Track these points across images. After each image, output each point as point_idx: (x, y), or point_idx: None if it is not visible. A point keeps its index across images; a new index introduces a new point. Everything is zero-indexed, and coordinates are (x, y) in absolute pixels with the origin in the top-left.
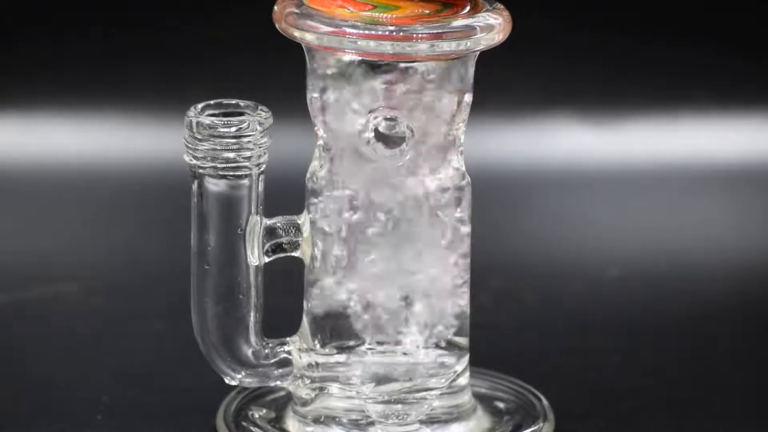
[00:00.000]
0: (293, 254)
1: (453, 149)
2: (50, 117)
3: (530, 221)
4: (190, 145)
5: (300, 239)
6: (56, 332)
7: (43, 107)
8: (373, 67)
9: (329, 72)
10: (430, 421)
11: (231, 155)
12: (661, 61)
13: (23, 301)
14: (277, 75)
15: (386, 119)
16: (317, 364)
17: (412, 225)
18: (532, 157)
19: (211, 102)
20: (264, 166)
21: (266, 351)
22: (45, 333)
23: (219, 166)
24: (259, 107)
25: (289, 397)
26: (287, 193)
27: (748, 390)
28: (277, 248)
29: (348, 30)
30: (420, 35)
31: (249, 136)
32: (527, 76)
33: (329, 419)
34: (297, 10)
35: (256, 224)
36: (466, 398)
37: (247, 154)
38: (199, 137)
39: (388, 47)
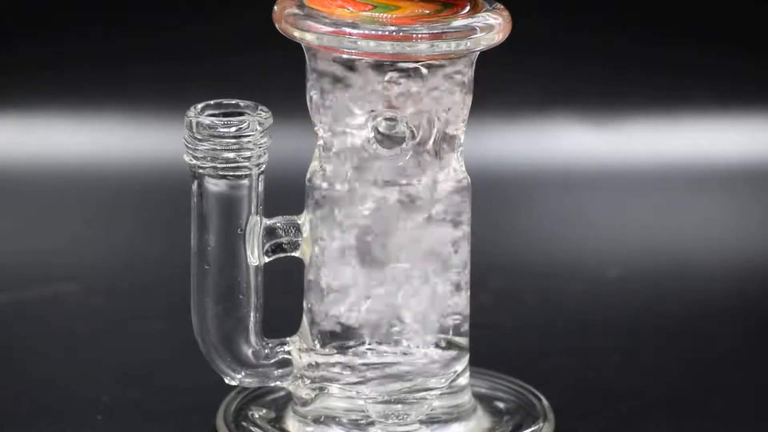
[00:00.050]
0: (293, 254)
1: (453, 149)
2: (50, 117)
3: (530, 221)
4: (190, 145)
5: (300, 239)
6: (56, 332)
7: (43, 107)
8: (373, 67)
9: (329, 72)
10: (430, 421)
11: (231, 155)
12: (661, 61)
13: (23, 301)
14: (277, 75)
15: (386, 119)
16: (317, 364)
17: (412, 225)
18: (532, 157)
19: (211, 102)
20: (264, 166)
21: (266, 351)
22: (45, 333)
23: (219, 166)
24: (259, 107)
25: (289, 397)
26: (287, 193)
27: (748, 390)
28: (277, 248)
29: (348, 30)
30: (420, 35)
31: (249, 136)
32: (527, 76)
33: (329, 419)
34: (297, 10)
35: (256, 224)
36: (466, 398)
37: (247, 154)
38: (199, 137)
39: (388, 47)
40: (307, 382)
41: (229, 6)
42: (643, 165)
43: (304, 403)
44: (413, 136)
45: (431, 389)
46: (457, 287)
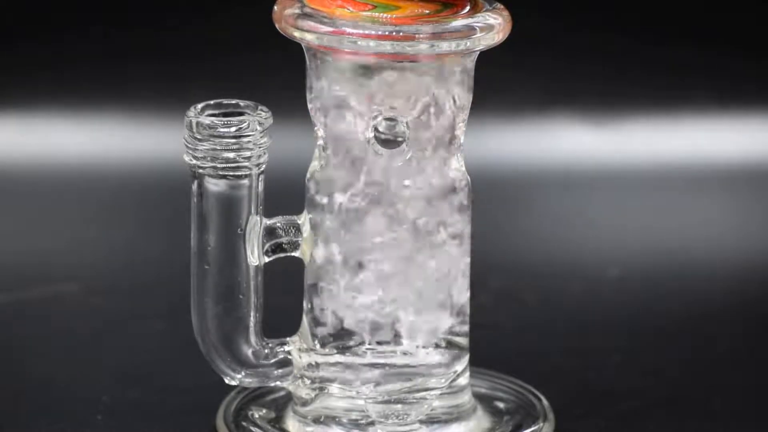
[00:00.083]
0: (293, 254)
1: (453, 149)
2: (50, 117)
3: (530, 221)
4: (190, 145)
5: (300, 239)
6: (56, 332)
7: (43, 107)
8: (373, 67)
9: (329, 72)
10: (430, 421)
11: (231, 155)
12: (661, 61)
13: (23, 301)
14: (277, 75)
15: (386, 119)
16: (317, 364)
17: (412, 225)
18: (532, 157)
19: (211, 102)
20: (264, 166)
21: (266, 351)
22: (45, 333)
23: (219, 166)
24: (259, 107)
25: (289, 397)
26: (287, 193)
27: (748, 390)
28: (277, 248)
29: (348, 30)
30: (420, 35)
31: (249, 136)
32: (527, 76)
33: (329, 419)
34: (297, 10)
35: (256, 224)
36: (466, 398)
37: (247, 154)
38: (199, 137)
39: (388, 47)
40: (307, 382)
41: (229, 6)
42: (643, 165)
43: (304, 403)
44: (413, 136)
45: (431, 389)
46: (458, 287)
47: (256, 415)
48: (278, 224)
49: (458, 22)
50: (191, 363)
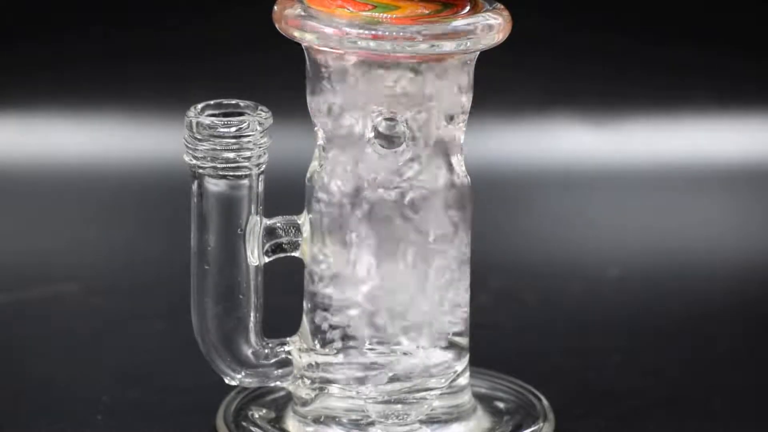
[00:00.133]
0: (293, 254)
1: (453, 149)
2: (50, 117)
3: (530, 221)
4: (190, 145)
5: (300, 239)
6: (56, 332)
7: (43, 107)
8: (373, 67)
9: (329, 72)
10: (430, 421)
11: (231, 155)
12: (661, 61)
13: (23, 301)
14: (277, 75)
15: (386, 119)
16: (317, 364)
17: (412, 225)
18: (532, 157)
19: (211, 102)
20: (264, 166)
21: (266, 351)
22: (45, 333)
23: (219, 166)
24: (259, 107)
25: (289, 397)
26: (287, 193)
27: (748, 390)
28: (277, 248)
29: (348, 30)
30: (420, 35)
31: (249, 136)
32: (527, 76)
33: (329, 419)
34: (297, 10)
35: (256, 224)
36: (466, 398)
37: (247, 154)
38: (199, 137)
39: (388, 47)
40: (307, 382)
41: (229, 6)
42: (643, 165)
43: (304, 403)
44: (413, 136)
45: (431, 389)
46: (458, 288)
47: (256, 415)
48: (278, 224)
49: (458, 22)
50: (191, 363)
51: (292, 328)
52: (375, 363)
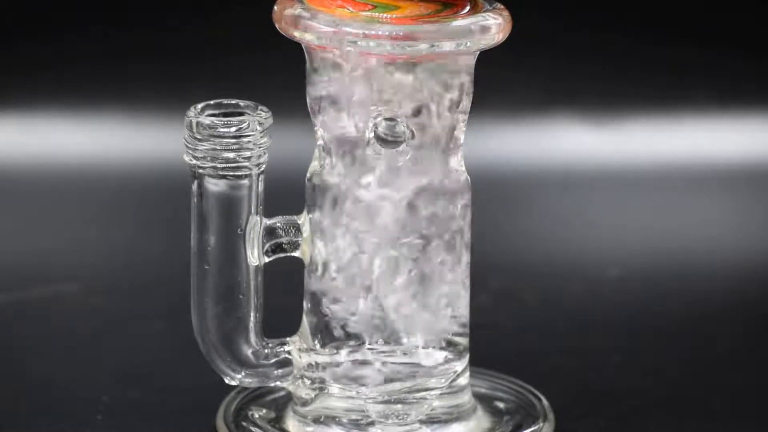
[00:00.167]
0: (293, 254)
1: (453, 149)
2: (50, 117)
3: (530, 221)
4: (190, 145)
5: (300, 239)
6: (56, 332)
7: (43, 107)
8: (373, 67)
9: (329, 72)
10: (430, 421)
11: (231, 155)
12: (661, 61)
13: (23, 301)
14: (277, 75)
15: (386, 119)
16: (317, 364)
17: (412, 225)
18: (532, 157)
19: (211, 102)
20: (264, 166)
21: (266, 351)
22: (45, 333)
23: (219, 166)
24: (259, 107)
25: (289, 397)
26: (287, 193)
27: (748, 390)
28: (277, 248)
29: (348, 30)
30: (420, 35)
31: (249, 136)
32: (527, 76)
33: (329, 419)
34: (297, 10)
35: (256, 224)
36: (466, 398)
37: (247, 154)
38: (199, 137)
39: (388, 47)
40: (307, 382)
41: (229, 6)
42: (643, 165)
43: (304, 403)
44: (412, 137)
45: (431, 389)
46: (457, 287)
47: (256, 415)
48: (278, 224)
49: (458, 22)
50: (191, 363)
51: (292, 328)
52: (375, 363)
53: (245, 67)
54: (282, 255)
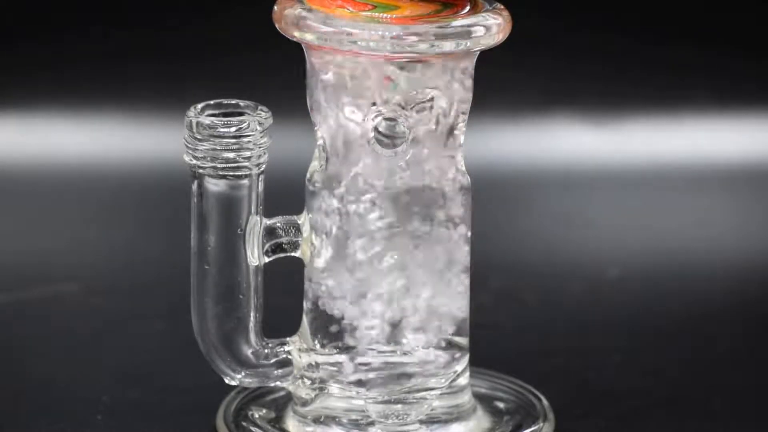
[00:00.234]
0: (293, 254)
1: (453, 149)
2: (50, 117)
3: (530, 221)
4: (190, 145)
5: (300, 239)
6: (56, 332)
7: (43, 107)
8: (373, 67)
9: (329, 72)
10: (430, 421)
11: (231, 155)
12: (661, 61)
13: (23, 301)
14: (277, 75)
15: (386, 119)
16: (317, 364)
17: (412, 225)
18: (532, 157)
19: (211, 102)
20: (264, 166)
21: (266, 351)
22: (45, 333)
23: (219, 166)
24: (259, 107)
25: (289, 397)
26: (287, 193)
27: (748, 390)
28: (277, 248)
29: (348, 30)
30: (420, 35)
31: (249, 136)
32: (527, 76)
33: (329, 419)
34: (297, 10)
35: (256, 224)
36: (466, 398)
37: (247, 154)
38: (199, 137)
39: (388, 47)
40: (307, 382)
41: (229, 6)
42: (643, 165)
43: (304, 403)
44: (412, 137)
45: (431, 389)
46: (458, 287)
47: (256, 415)
48: (278, 224)
49: (458, 22)
50: (191, 363)
51: (292, 328)
52: (375, 363)
53: (245, 67)
54: (282, 255)
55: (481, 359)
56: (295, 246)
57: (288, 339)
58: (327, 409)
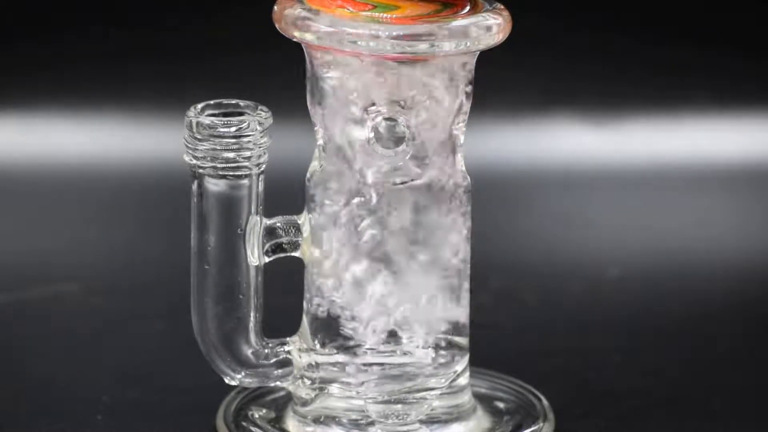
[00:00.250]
0: (293, 254)
1: (453, 149)
2: (50, 117)
3: (530, 221)
4: (190, 145)
5: (300, 239)
6: (56, 332)
7: (43, 107)
8: (373, 67)
9: (329, 72)
10: (430, 421)
11: (231, 155)
12: (661, 61)
13: (23, 301)
14: (277, 75)
15: (386, 119)
16: (317, 364)
17: (412, 225)
18: (532, 157)
19: (211, 102)
20: (264, 166)
21: (266, 351)
22: (45, 333)
23: (219, 166)
24: (259, 107)
25: (289, 397)
26: (287, 193)
27: (748, 390)
28: (277, 248)
29: (348, 30)
30: (420, 35)
31: (249, 136)
32: (527, 76)
33: (329, 419)
34: (297, 10)
35: (256, 224)
36: (466, 398)
37: (247, 154)
38: (199, 137)
39: (388, 47)
40: (307, 382)
41: (229, 6)
42: (643, 165)
43: (304, 403)
44: (413, 137)
45: (431, 389)
46: (458, 287)
47: (256, 415)
48: (278, 224)
49: (458, 22)
50: (191, 363)
51: (292, 328)
52: (375, 363)
53: (245, 67)
54: (282, 255)
55: (481, 359)
56: (295, 246)
57: (288, 339)
58: (327, 409)
